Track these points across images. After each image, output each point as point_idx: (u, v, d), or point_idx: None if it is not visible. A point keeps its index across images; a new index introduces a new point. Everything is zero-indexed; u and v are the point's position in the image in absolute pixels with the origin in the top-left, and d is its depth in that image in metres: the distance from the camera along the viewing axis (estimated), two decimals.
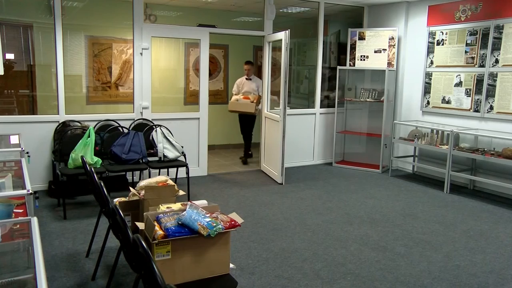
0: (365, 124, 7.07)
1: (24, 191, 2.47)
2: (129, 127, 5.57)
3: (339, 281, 3.20)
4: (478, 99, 5.74)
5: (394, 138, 6.57)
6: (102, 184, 3.00)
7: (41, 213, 4.47)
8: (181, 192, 3.03)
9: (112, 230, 2.90)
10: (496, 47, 5.50)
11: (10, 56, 5.65)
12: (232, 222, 2.48)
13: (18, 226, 2.25)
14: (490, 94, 5.59)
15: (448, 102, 6.13)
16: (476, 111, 5.77)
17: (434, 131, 5.96)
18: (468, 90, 5.86)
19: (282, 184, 5.89)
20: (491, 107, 5.59)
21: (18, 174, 3.05)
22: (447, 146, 5.68)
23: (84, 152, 4.63)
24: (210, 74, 6.76)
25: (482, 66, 5.67)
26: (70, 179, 5.05)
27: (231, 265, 2.58)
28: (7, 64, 5.54)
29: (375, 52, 6.83)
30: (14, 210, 2.47)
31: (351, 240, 3.98)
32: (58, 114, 5.34)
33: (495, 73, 5.52)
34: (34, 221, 2.03)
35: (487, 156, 5.22)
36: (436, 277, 3.31)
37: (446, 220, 4.63)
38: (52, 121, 5.29)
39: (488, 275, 3.36)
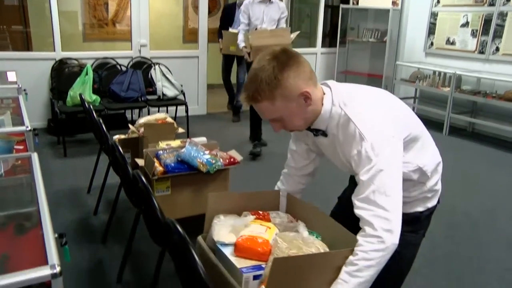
0: (367, 64, 6.95)
1: (23, 128, 2.47)
2: (127, 65, 5.47)
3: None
4: (484, 40, 5.59)
5: (395, 79, 6.48)
6: (101, 121, 3.00)
7: (42, 151, 4.50)
8: (180, 130, 3.03)
9: (112, 166, 2.93)
10: None
11: None
12: (231, 159, 2.50)
13: (19, 162, 2.27)
14: (498, 35, 5.43)
15: (453, 43, 5.98)
16: (481, 52, 5.64)
17: (436, 73, 5.87)
18: (475, 31, 5.69)
19: None
20: (497, 49, 5.46)
21: (16, 112, 3.03)
22: (448, 88, 5.62)
23: (83, 90, 4.58)
24: (209, 12, 6.53)
25: (492, 5, 5.46)
26: (69, 117, 5.03)
27: None
28: None
29: None
30: (15, 147, 2.48)
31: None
32: (54, 51, 5.22)
33: (505, 12, 5.33)
34: (35, 156, 2.04)
35: (489, 99, 5.18)
36: None
37: (444, 162, 4.64)
38: (48, 59, 5.18)
39: (481, 214, 3.45)
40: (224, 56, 6.19)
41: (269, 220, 1.56)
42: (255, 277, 1.28)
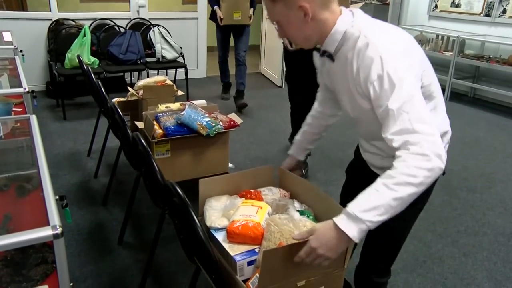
0: None
1: (21, 89, 2.44)
2: (126, 26, 5.37)
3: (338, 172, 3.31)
4: (491, 2, 5.45)
5: None
6: (100, 83, 2.97)
7: (41, 114, 4.48)
8: (180, 92, 3.01)
9: (112, 129, 2.93)
10: None
11: None
12: (231, 122, 2.49)
13: (19, 124, 2.26)
14: None
15: (458, 5, 5.85)
16: (487, 15, 5.52)
17: (439, 36, 5.77)
18: None
19: (281, 87, 5.85)
20: (504, 11, 5.33)
21: (13, 74, 2.99)
22: (451, 53, 5.54)
23: (81, 52, 4.52)
24: None
25: None
26: (68, 80, 4.99)
27: (230, 165, 2.64)
28: None
29: None
30: (14, 109, 2.46)
31: (347, 144, 4.05)
32: (50, 11, 5.10)
33: None
34: (33, 118, 2.03)
35: (492, 64, 5.12)
36: None
37: None
38: (44, 19, 5.07)
39: (478, 179, 3.47)
40: (219, 29, 4.80)
41: (260, 199, 1.53)
42: (250, 263, 1.29)
